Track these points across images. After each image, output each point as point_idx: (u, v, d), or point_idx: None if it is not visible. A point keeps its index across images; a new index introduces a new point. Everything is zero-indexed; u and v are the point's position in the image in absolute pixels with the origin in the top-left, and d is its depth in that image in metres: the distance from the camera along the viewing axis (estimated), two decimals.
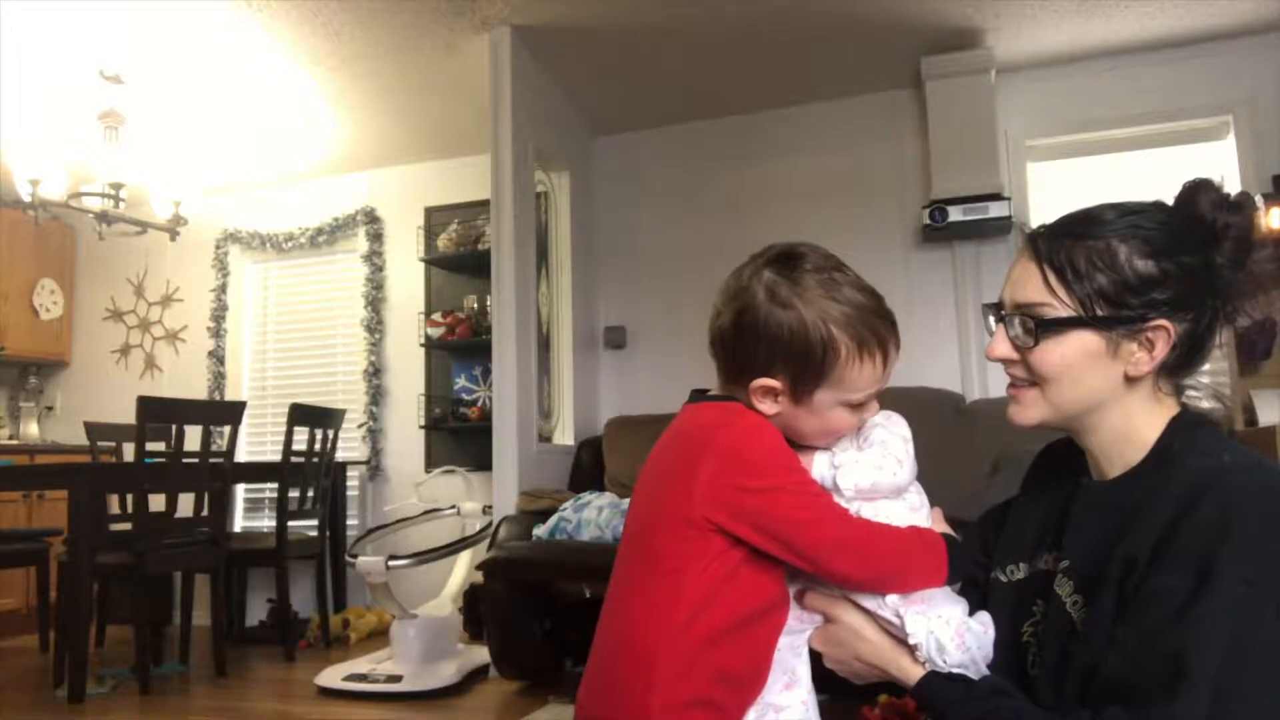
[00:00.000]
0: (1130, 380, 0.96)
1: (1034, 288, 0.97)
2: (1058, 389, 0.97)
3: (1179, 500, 0.87)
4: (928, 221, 3.72)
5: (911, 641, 0.95)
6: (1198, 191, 0.96)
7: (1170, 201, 0.99)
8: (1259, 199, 3.27)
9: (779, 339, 0.96)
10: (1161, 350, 0.94)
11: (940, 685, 0.94)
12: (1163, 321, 0.93)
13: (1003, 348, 1.00)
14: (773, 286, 0.97)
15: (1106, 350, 0.95)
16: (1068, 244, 0.96)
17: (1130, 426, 0.97)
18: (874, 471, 0.99)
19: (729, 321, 0.99)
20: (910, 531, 0.98)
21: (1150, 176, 3.80)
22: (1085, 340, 0.95)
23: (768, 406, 0.99)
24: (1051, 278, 0.96)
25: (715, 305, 1.02)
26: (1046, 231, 1.00)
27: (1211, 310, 0.95)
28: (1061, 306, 0.95)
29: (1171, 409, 0.98)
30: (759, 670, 0.98)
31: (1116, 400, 0.97)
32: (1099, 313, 0.93)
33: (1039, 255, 0.98)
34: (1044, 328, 0.95)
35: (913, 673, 0.96)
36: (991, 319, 1.04)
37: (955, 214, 3.68)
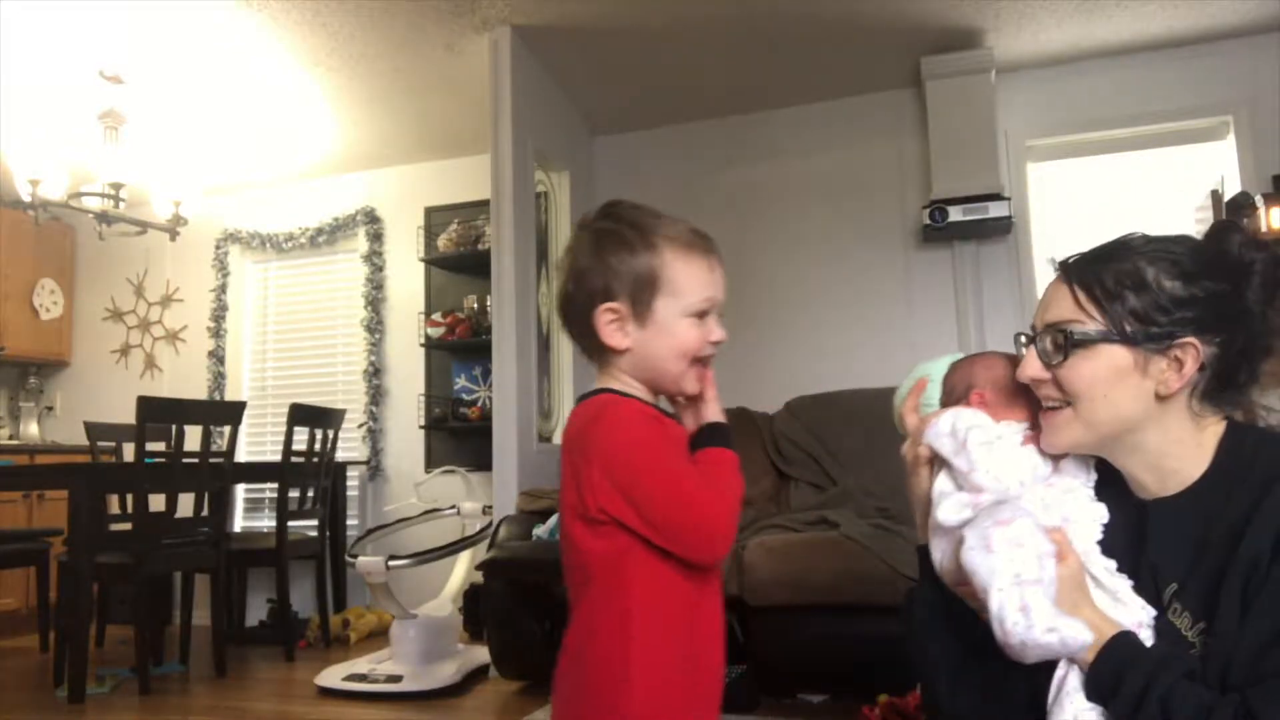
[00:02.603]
0: (1161, 400, 0.97)
1: (1064, 307, 0.99)
2: (1090, 406, 0.98)
3: None
4: (928, 221, 3.72)
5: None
6: (1228, 230, 1.00)
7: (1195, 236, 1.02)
8: (1259, 199, 3.27)
9: (608, 262, 1.04)
10: (1190, 369, 0.95)
11: (1128, 644, 0.92)
12: (1190, 339, 0.95)
13: (1033, 367, 1.02)
14: (593, 232, 1.07)
15: (1135, 367, 0.96)
16: (1097, 267, 0.99)
17: (1172, 445, 0.98)
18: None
19: (563, 283, 1.08)
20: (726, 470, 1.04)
21: (1150, 176, 3.80)
22: (1115, 355, 0.96)
23: (619, 339, 1.04)
24: (1081, 296, 0.98)
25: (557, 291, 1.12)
26: (1078, 259, 1.03)
27: (1243, 338, 0.96)
28: (1091, 323, 0.97)
29: (1218, 425, 0.99)
30: (702, 646, 1.03)
31: (1151, 420, 0.98)
32: (1128, 329, 0.95)
33: (1069, 278, 1.01)
34: (1074, 342, 0.97)
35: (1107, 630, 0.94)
36: (1023, 342, 1.06)
37: (955, 214, 3.68)
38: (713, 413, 1.09)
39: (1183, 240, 0.99)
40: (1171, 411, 0.97)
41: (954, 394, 1.14)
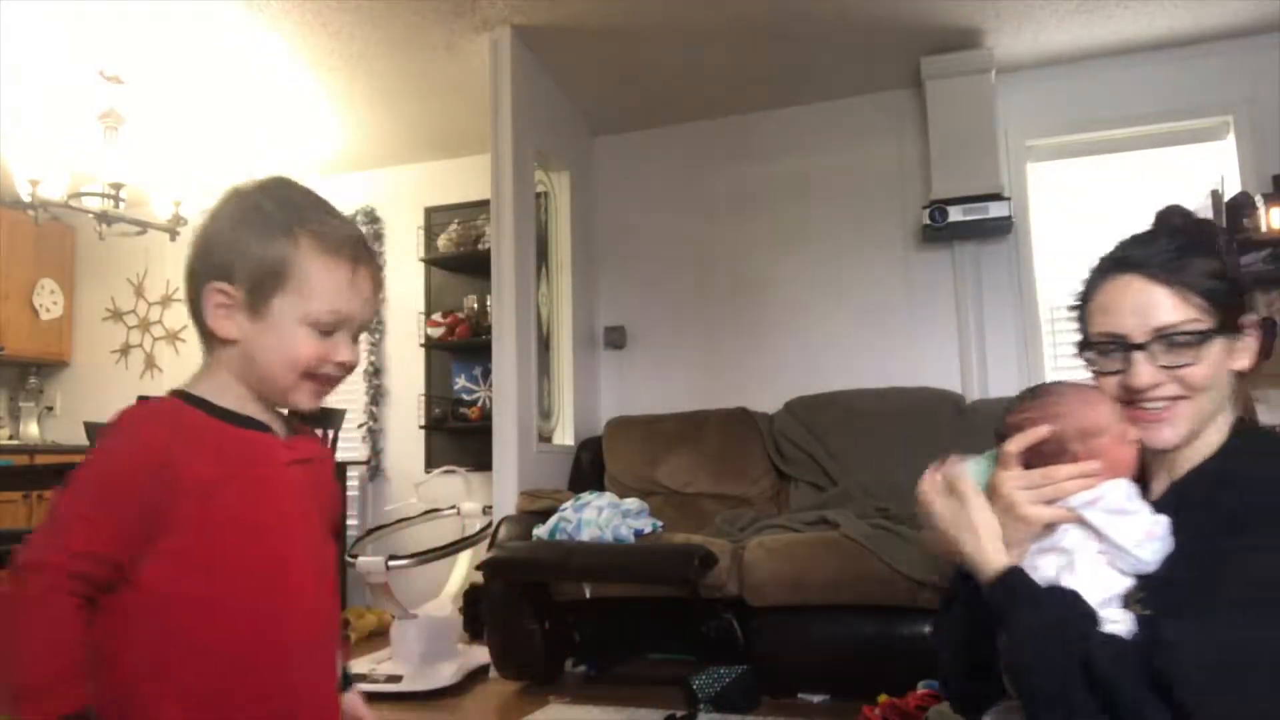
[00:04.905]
0: (1236, 378, 1.05)
1: (1171, 309, 1.01)
2: (1209, 396, 1.02)
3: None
4: (928, 221, 3.72)
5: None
6: (1184, 211, 1.11)
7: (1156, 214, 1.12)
8: (1259, 199, 3.27)
9: (240, 236, 0.92)
10: (1253, 342, 1.04)
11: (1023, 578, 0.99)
12: (1252, 316, 1.04)
13: (1150, 374, 1.02)
14: (240, 200, 0.95)
15: (1229, 352, 1.03)
16: (1182, 262, 1.02)
17: (1216, 426, 1.04)
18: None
19: (192, 249, 0.95)
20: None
21: (1150, 176, 3.80)
22: (1219, 345, 1.02)
23: (226, 326, 0.93)
24: (1187, 297, 1.01)
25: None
26: (1158, 257, 1.04)
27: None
28: (1204, 319, 1.01)
29: (1229, 413, 1.06)
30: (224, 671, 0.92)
31: (1226, 399, 1.05)
32: (1225, 318, 1.01)
33: (1162, 279, 1.02)
34: (1201, 340, 1.01)
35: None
36: (1111, 354, 1.05)
37: (955, 214, 3.67)
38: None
39: (1208, 224, 1.08)
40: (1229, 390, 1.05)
41: (1061, 441, 1.05)
